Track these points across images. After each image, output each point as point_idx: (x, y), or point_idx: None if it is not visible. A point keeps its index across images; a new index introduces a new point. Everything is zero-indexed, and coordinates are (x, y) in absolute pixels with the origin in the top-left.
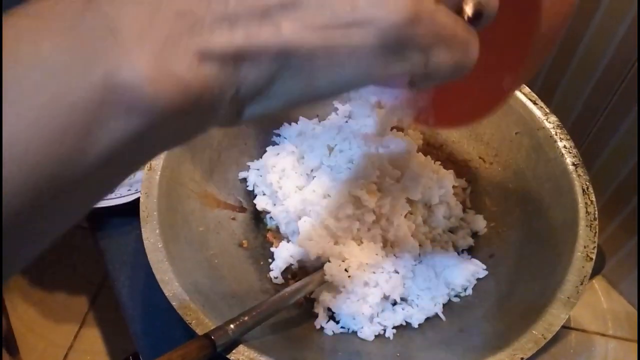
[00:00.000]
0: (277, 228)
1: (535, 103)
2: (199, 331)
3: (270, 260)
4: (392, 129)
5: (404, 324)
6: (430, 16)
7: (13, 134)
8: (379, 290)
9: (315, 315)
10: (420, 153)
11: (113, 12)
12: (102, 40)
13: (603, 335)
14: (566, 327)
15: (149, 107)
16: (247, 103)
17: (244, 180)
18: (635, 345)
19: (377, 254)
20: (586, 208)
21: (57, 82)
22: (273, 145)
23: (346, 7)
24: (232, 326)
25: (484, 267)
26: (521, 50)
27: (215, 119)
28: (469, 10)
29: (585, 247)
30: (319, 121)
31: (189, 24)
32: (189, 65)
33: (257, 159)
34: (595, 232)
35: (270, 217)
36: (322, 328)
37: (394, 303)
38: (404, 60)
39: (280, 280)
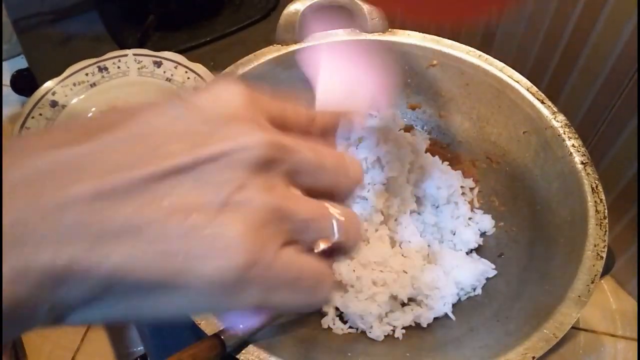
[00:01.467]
0: None
1: (542, 102)
2: (208, 331)
3: None
4: (399, 129)
5: (413, 324)
6: (268, 262)
7: None
8: (387, 289)
9: (324, 315)
10: (428, 153)
11: None
12: None
13: (612, 335)
14: (575, 328)
15: None
16: (64, 315)
17: None
18: None
19: (385, 253)
20: (596, 207)
21: None
22: None
23: (182, 244)
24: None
25: (493, 266)
26: None
27: (34, 324)
28: (321, 247)
29: (595, 245)
30: None
31: (16, 234)
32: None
33: None
34: (606, 231)
35: None
36: (330, 328)
37: (403, 304)
38: (245, 296)
39: None
